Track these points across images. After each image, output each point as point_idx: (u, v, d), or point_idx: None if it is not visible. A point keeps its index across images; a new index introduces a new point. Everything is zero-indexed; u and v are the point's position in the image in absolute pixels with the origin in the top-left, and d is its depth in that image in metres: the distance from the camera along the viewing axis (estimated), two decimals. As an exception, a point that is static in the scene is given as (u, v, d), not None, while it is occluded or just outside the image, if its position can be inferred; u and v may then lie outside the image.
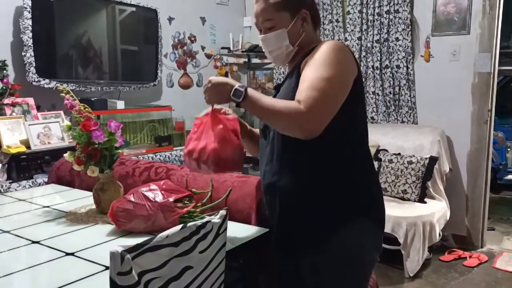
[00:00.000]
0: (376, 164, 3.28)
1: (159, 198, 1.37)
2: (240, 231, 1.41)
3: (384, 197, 1.42)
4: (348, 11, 3.82)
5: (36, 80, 2.77)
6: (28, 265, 1.17)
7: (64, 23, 2.99)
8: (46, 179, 2.35)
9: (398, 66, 3.64)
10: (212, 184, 1.61)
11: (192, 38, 4.13)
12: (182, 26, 4.02)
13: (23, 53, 2.73)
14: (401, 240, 2.92)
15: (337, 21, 3.91)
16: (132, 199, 1.36)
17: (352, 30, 3.82)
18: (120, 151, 1.58)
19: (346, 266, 1.30)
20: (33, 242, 1.32)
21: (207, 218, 1.08)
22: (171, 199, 1.37)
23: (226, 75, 4.49)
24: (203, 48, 4.25)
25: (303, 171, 1.31)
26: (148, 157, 3.22)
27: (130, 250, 0.85)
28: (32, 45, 2.72)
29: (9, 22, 2.84)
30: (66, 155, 1.55)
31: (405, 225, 2.92)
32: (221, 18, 4.39)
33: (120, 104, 3.24)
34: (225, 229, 1.12)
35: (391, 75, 3.68)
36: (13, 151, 2.47)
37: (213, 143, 1.27)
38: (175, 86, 4.02)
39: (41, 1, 2.78)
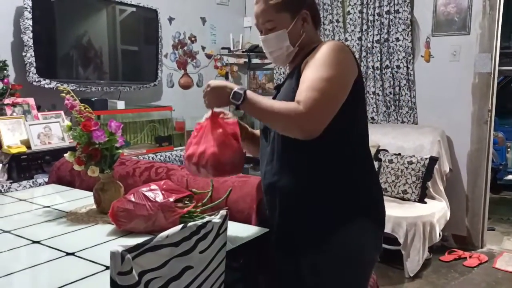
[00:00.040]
0: (376, 164, 3.28)
1: (159, 198, 1.37)
2: (240, 231, 1.41)
3: (384, 197, 1.42)
4: (349, 11, 3.82)
5: (37, 80, 2.77)
6: (29, 265, 1.17)
7: (64, 23, 2.99)
8: (46, 179, 2.35)
9: (398, 66, 3.64)
10: (213, 184, 1.61)
11: (193, 38, 4.13)
12: (183, 26, 4.03)
13: (23, 53, 2.73)
14: (401, 240, 2.92)
15: (337, 21, 3.91)
16: (133, 199, 1.36)
17: (353, 30, 3.82)
18: (120, 151, 1.58)
19: (346, 266, 1.30)
20: (34, 242, 1.32)
21: (207, 218, 1.08)
22: (171, 199, 1.37)
23: (226, 75, 4.49)
24: (203, 48, 4.25)
25: (303, 171, 1.31)
26: (149, 157, 3.23)
27: (130, 250, 0.85)
28: (32, 45, 2.72)
29: (10, 22, 2.84)
30: (66, 155, 1.56)
31: (405, 225, 2.93)
32: (222, 18, 4.39)
33: (121, 104, 3.24)
34: (226, 229, 1.13)
35: (391, 75, 3.68)
36: (13, 151, 2.47)
37: (212, 147, 1.28)
38: (175, 86, 4.03)
39: (42, 1, 2.78)
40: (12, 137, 2.56)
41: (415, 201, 3.20)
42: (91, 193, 1.61)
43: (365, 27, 3.75)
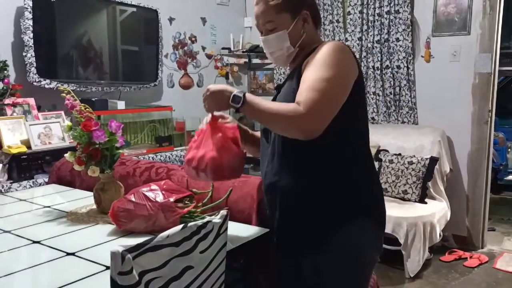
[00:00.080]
0: (376, 164, 3.27)
1: (159, 198, 1.37)
2: (240, 231, 1.41)
3: (385, 198, 1.42)
4: (349, 11, 3.82)
5: (37, 80, 2.77)
6: (29, 265, 1.17)
7: (64, 23, 2.99)
8: (46, 179, 2.35)
9: (398, 67, 3.64)
10: (213, 185, 1.61)
11: (193, 39, 4.13)
12: (183, 26, 4.03)
13: (24, 53, 2.73)
14: (401, 241, 2.92)
15: (337, 21, 3.91)
16: (133, 199, 1.36)
17: (353, 31, 3.82)
18: (120, 151, 1.58)
19: (346, 266, 1.30)
20: (34, 242, 1.32)
21: (207, 218, 1.08)
22: (171, 199, 1.37)
23: (226, 75, 4.50)
24: (203, 48, 4.25)
25: (303, 171, 1.31)
26: (149, 157, 3.23)
27: (131, 250, 0.85)
28: (33, 46, 2.73)
29: (10, 23, 2.84)
30: (67, 155, 1.56)
31: (405, 226, 2.92)
32: (222, 18, 4.39)
33: (121, 105, 3.24)
34: (226, 229, 1.13)
35: (391, 75, 3.68)
36: (14, 151, 2.47)
37: (212, 152, 1.29)
38: (175, 87, 4.03)
39: (42, 1, 2.78)
40: (13, 137, 2.56)
41: (415, 201, 3.20)
42: (91, 193, 1.61)
43: (365, 27, 3.75)
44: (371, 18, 3.70)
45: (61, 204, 1.74)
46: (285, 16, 1.33)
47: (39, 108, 2.83)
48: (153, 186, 1.42)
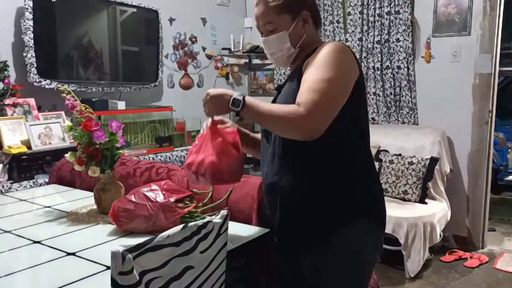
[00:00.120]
0: (376, 164, 3.27)
1: (160, 198, 1.37)
2: (241, 231, 1.41)
3: (385, 198, 1.42)
4: (349, 12, 3.83)
5: (37, 80, 2.77)
6: (29, 265, 1.17)
7: (65, 24, 3.00)
8: (47, 180, 2.35)
9: (398, 67, 3.64)
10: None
11: (193, 39, 4.14)
12: (183, 27, 4.03)
13: (24, 54, 2.73)
14: (401, 241, 2.92)
15: (337, 22, 3.92)
16: (133, 199, 1.37)
17: (353, 31, 3.82)
18: (121, 151, 1.59)
19: (346, 266, 1.30)
20: (34, 242, 1.32)
21: (208, 218, 1.08)
22: (172, 199, 1.37)
23: (227, 76, 4.50)
24: (204, 49, 4.25)
25: (304, 172, 1.31)
26: (149, 157, 3.23)
27: (131, 249, 0.85)
28: (33, 46, 2.73)
29: (11, 23, 2.85)
30: (67, 155, 1.56)
31: (405, 226, 2.92)
32: (222, 19, 4.40)
33: (121, 105, 3.24)
34: (226, 229, 1.13)
35: (391, 76, 3.68)
36: (14, 151, 2.47)
37: (211, 156, 1.29)
38: (176, 87, 4.03)
39: (42, 2, 2.78)
40: (13, 138, 2.56)
41: (415, 201, 3.20)
42: (91, 193, 1.61)
43: (365, 27, 3.75)
44: (371, 18, 3.70)
45: (61, 204, 1.74)
46: (285, 17, 1.33)
47: (40, 109, 2.83)
48: (154, 186, 1.42)
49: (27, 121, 2.65)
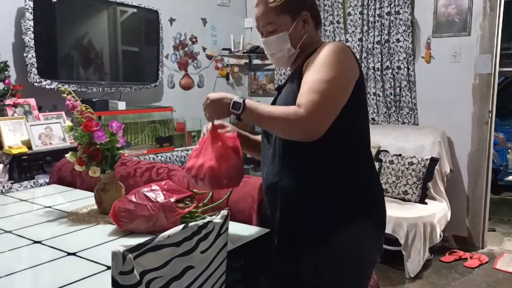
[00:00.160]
0: (377, 165, 3.28)
1: (160, 198, 1.37)
2: (241, 232, 1.41)
3: (385, 198, 1.42)
4: (349, 12, 3.83)
5: (38, 81, 2.78)
6: (30, 265, 1.17)
7: (65, 24, 3.00)
8: (47, 180, 2.36)
9: (399, 67, 3.64)
10: (213, 185, 1.61)
11: (193, 39, 4.14)
12: (183, 27, 4.03)
13: (24, 54, 2.74)
14: (402, 241, 2.92)
15: (338, 22, 3.92)
16: (134, 200, 1.37)
17: (353, 31, 3.82)
18: (121, 151, 1.59)
19: (346, 267, 1.30)
20: (35, 242, 1.32)
21: (208, 218, 1.08)
22: (172, 200, 1.38)
23: (227, 76, 4.50)
24: (204, 49, 4.26)
25: (304, 172, 1.31)
26: (149, 157, 3.23)
27: (132, 249, 0.85)
28: (33, 46, 2.73)
29: (11, 23, 2.85)
30: (68, 155, 1.56)
31: (406, 226, 2.93)
32: (222, 19, 4.40)
33: (121, 105, 3.24)
34: (226, 229, 1.13)
35: (391, 76, 3.68)
36: (14, 151, 2.47)
37: (210, 161, 1.29)
38: (176, 87, 4.03)
39: (43, 2, 2.79)
40: (13, 138, 2.56)
41: (415, 201, 3.20)
42: (92, 194, 1.61)
43: (365, 28, 3.75)
44: (371, 19, 3.70)
45: (62, 204, 1.75)
46: (285, 18, 1.34)
47: (40, 109, 2.83)
48: (154, 187, 1.42)
49: (27, 121, 2.65)
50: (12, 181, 2.45)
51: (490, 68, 3.31)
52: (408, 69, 3.60)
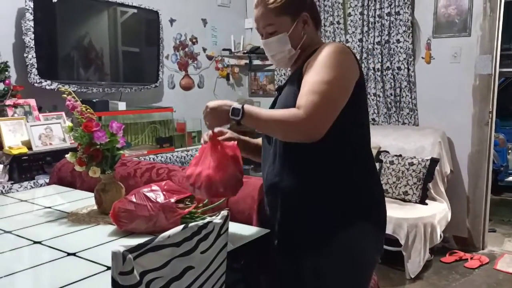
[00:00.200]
0: (377, 165, 3.28)
1: (160, 198, 1.37)
2: (241, 232, 1.41)
3: (385, 199, 1.42)
4: (349, 13, 3.83)
5: (38, 81, 2.78)
6: (30, 265, 1.17)
7: (65, 24, 3.00)
8: (47, 180, 2.36)
9: (399, 68, 3.64)
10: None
11: (194, 40, 4.14)
12: (184, 27, 4.03)
13: (25, 55, 2.74)
14: (402, 242, 2.92)
15: (338, 23, 3.92)
16: (134, 200, 1.37)
17: (353, 32, 3.82)
18: (121, 152, 1.59)
19: (347, 268, 1.30)
20: (35, 242, 1.32)
21: (208, 219, 1.08)
22: (172, 200, 1.38)
23: (227, 76, 4.50)
24: (204, 49, 4.26)
25: (304, 172, 1.31)
26: (150, 158, 3.23)
27: (132, 250, 0.85)
28: (34, 47, 2.73)
29: (11, 24, 2.85)
30: (68, 156, 1.56)
31: (406, 227, 2.92)
32: (223, 19, 4.40)
33: (122, 106, 3.25)
34: (227, 229, 1.13)
35: (392, 76, 3.68)
36: (14, 152, 2.47)
37: (208, 170, 1.30)
38: (176, 88, 4.03)
39: (43, 2, 2.79)
40: (13, 138, 2.56)
41: (416, 202, 3.20)
42: (92, 194, 1.61)
43: (365, 28, 3.75)
44: (371, 19, 3.70)
45: (62, 205, 1.75)
46: (284, 19, 1.34)
47: (40, 109, 2.83)
48: (154, 187, 1.42)
49: (27, 121, 2.65)
50: (12, 182, 2.45)
51: (490, 69, 3.31)
52: (408, 69, 3.60)
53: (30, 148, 2.55)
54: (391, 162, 3.33)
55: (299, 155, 1.30)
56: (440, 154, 3.31)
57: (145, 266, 0.89)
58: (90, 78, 3.16)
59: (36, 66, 2.75)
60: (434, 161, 3.23)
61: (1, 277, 1.08)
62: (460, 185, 3.50)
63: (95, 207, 1.61)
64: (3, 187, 2.36)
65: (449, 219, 3.28)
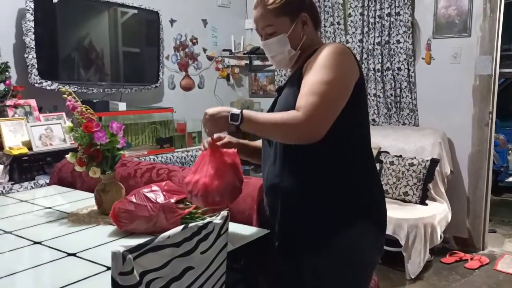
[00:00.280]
0: (377, 166, 3.27)
1: (160, 199, 1.37)
2: (241, 232, 1.41)
3: (386, 199, 1.42)
4: (349, 13, 3.83)
5: (38, 81, 2.78)
6: (31, 265, 1.18)
7: (66, 25, 3.00)
8: (47, 181, 2.36)
9: (399, 68, 3.64)
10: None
11: (194, 40, 4.14)
12: (184, 28, 4.04)
13: (25, 55, 2.74)
14: (402, 242, 2.92)
15: (338, 23, 3.92)
16: (134, 200, 1.37)
17: (354, 33, 3.83)
18: (121, 152, 1.59)
19: (347, 268, 1.30)
20: (35, 242, 1.32)
21: (208, 219, 1.08)
22: (172, 200, 1.38)
23: (227, 77, 4.50)
24: (204, 50, 4.26)
25: (305, 173, 1.31)
26: (150, 158, 3.23)
27: (131, 250, 0.85)
28: (34, 47, 2.73)
29: (12, 24, 2.85)
30: (68, 156, 1.56)
31: (406, 227, 2.92)
32: (223, 20, 4.40)
33: (122, 106, 3.25)
34: (226, 230, 1.13)
35: (392, 77, 3.68)
36: (15, 152, 2.48)
37: (204, 178, 1.30)
38: (176, 88, 4.03)
39: (44, 3, 2.79)
40: (14, 138, 2.57)
41: (416, 203, 3.20)
42: (92, 194, 1.62)
43: (366, 29, 3.75)
44: (371, 20, 3.70)
45: (62, 205, 1.75)
46: (284, 20, 1.34)
47: (41, 110, 2.83)
48: (154, 187, 1.42)
49: (28, 122, 2.66)
50: (13, 182, 2.45)
51: (490, 69, 3.31)
52: (409, 70, 3.60)
53: (30, 148, 2.56)
54: (391, 163, 3.33)
55: (299, 156, 1.30)
56: (440, 154, 3.31)
57: (145, 266, 0.89)
58: (90, 78, 3.16)
59: (36, 66, 2.75)
60: (434, 162, 3.23)
61: (2, 277, 1.08)
62: (460, 185, 3.50)
63: (95, 208, 1.61)
64: (4, 188, 2.36)
65: (449, 220, 3.28)
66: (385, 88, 3.73)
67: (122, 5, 3.32)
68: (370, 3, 3.69)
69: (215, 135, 1.37)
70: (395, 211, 3.01)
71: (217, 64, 4.39)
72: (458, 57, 3.43)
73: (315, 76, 1.22)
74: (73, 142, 1.73)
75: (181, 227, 0.99)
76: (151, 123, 3.54)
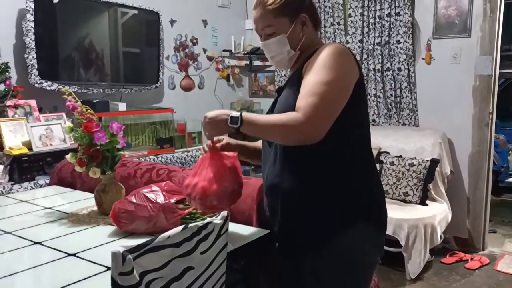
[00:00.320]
0: (377, 166, 3.27)
1: (160, 199, 1.37)
2: (241, 232, 1.41)
3: (386, 200, 1.42)
4: (350, 14, 3.83)
5: (39, 82, 2.78)
6: (31, 265, 1.17)
7: (66, 25, 3.01)
8: (47, 181, 2.36)
9: (399, 69, 3.64)
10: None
11: (194, 41, 4.14)
12: (184, 28, 4.04)
13: (25, 55, 2.74)
14: (402, 243, 2.92)
15: (338, 24, 3.92)
16: (134, 200, 1.37)
17: (354, 33, 3.83)
18: (121, 152, 1.59)
19: (346, 269, 1.30)
20: (35, 243, 1.33)
21: (208, 219, 1.08)
22: (172, 200, 1.38)
23: (228, 77, 4.50)
24: (204, 50, 4.26)
25: (305, 173, 1.31)
26: (150, 158, 3.23)
27: (131, 250, 0.85)
28: (34, 47, 2.74)
29: (12, 25, 2.85)
30: (68, 156, 1.56)
31: (406, 228, 2.92)
32: (223, 20, 4.40)
33: (122, 106, 3.25)
34: (226, 230, 1.13)
35: (392, 77, 3.68)
36: (15, 152, 2.48)
37: (203, 182, 1.30)
38: (176, 88, 4.03)
39: (44, 3, 2.79)
40: (14, 139, 2.57)
41: (416, 203, 3.20)
42: (92, 195, 1.62)
43: (366, 29, 3.76)
44: (371, 20, 3.70)
45: (62, 206, 1.75)
46: (283, 20, 1.34)
47: (41, 110, 2.83)
48: (154, 188, 1.42)
49: (28, 122, 2.66)
50: (13, 182, 2.45)
51: (490, 70, 3.31)
52: (409, 70, 3.60)
53: (30, 148, 2.56)
54: (392, 163, 3.33)
55: (299, 156, 1.30)
56: (440, 155, 3.31)
57: (145, 266, 0.89)
58: (90, 79, 3.16)
59: (36, 67, 2.75)
60: (435, 162, 3.23)
61: (2, 278, 1.08)
62: (461, 186, 3.50)
63: (95, 208, 1.61)
64: (4, 188, 2.36)
65: (449, 220, 3.28)
66: (385, 89, 3.73)
67: (122, 6, 3.32)
68: (370, 3, 3.69)
69: (215, 138, 1.37)
70: (395, 212, 3.01)
71: (217, 64, 4.39)
72: (458, 58, 3.43)
73: (315, 76, 1.22)
74: (73, 142, 1.73)
75: (181, 227, 0.99)
76: (151, 124, 3.54)
